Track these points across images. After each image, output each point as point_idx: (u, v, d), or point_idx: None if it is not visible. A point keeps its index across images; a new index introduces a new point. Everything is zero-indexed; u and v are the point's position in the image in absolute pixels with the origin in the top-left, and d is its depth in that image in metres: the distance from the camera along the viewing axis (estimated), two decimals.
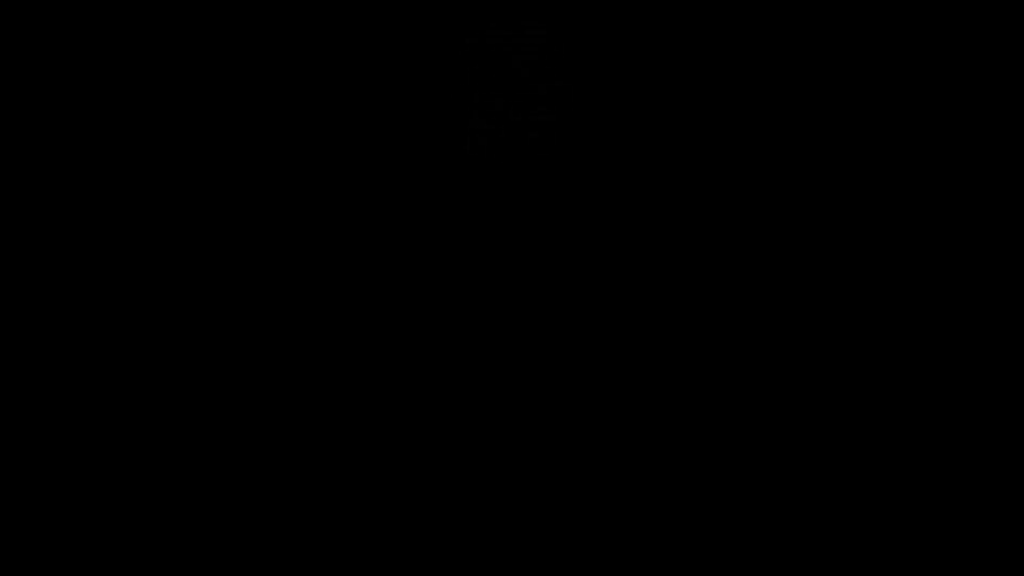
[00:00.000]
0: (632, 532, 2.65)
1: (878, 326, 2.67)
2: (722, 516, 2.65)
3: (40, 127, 2.65)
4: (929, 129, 2.69)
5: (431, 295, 2.69)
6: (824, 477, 2.66)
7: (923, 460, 2.66)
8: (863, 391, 2.67)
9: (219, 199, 2.67)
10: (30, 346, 2.63)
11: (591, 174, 2.71)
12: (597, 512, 2.66)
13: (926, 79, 2.69)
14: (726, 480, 2.67)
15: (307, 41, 2.69)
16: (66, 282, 2.64)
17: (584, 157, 2.71)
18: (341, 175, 2.68)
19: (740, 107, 2.70)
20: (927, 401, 2.67)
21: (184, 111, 2.67)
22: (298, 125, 2.68)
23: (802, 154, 2.69)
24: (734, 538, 2.65)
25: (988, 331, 2.66)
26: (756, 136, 2.69)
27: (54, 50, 2.65)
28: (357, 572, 2.62)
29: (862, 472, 2.65)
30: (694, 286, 2.69)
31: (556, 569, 2.64)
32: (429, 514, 2.66)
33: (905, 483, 2.65)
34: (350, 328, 2.68)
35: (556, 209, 2.70)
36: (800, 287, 2.68)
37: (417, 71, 2.70)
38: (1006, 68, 2.67)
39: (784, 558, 2.63)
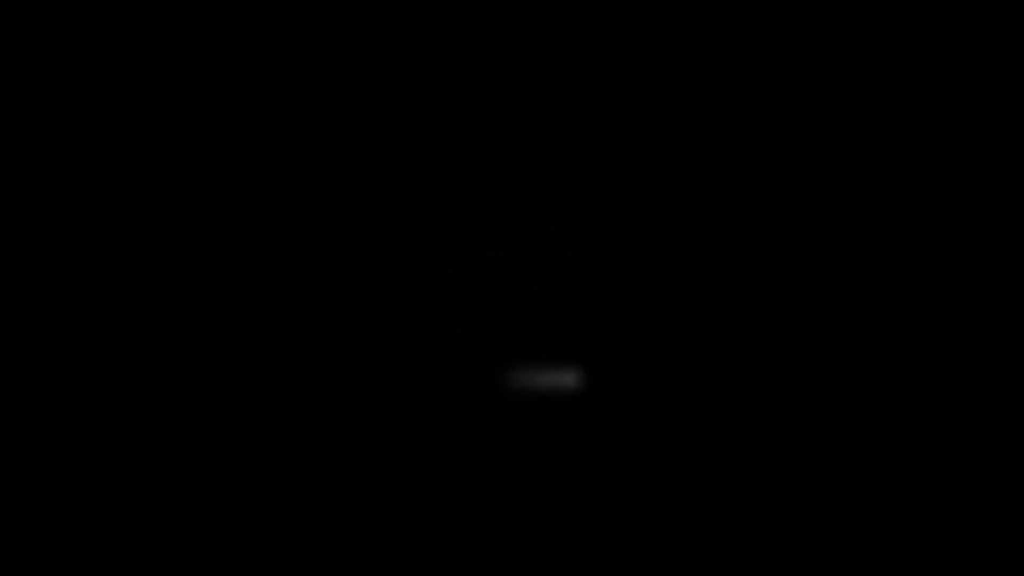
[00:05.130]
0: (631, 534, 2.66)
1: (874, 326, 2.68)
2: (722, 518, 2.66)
3: (40, 126, 2.65)
4: (929, 129, 2.70)
5: (431, 295, 2.69)
6: (824, 477, 2.67)
7: (924, 460, 2.67)
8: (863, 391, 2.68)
9: (218, 199, 2.67)
10: (30, 345, 2.63)
11: (591, 173, 2.71)
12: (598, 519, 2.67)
13: (926, 79, 2.70)
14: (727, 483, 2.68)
15: (307, 40, 2.69)
16: (66, 281, 2.64)
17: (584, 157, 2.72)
18: (342, 174, 2.69)
19: (741, 106, 2.70)
20: (928, 400, 2.68)
21: (182, 110, 2.67)
22: (298, 125, 2.68)
23: (803, 156, 2.69)
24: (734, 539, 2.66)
25: (989, 331, 2.67)
26: (757, 134, 2.70)
27: (54, 49, 2.66)
28: (357, 572, 2.63)
29: (862, 472, 2.67)
30: (694, 285, 2.70)
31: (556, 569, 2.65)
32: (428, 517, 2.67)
33: (905, 483, 2.66)
34: (350, 327, 2.68)
35: (557, 207, 2.70)
36: (804, 288, 2.69)
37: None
38: (1006, 68, 2.68)
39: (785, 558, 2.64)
